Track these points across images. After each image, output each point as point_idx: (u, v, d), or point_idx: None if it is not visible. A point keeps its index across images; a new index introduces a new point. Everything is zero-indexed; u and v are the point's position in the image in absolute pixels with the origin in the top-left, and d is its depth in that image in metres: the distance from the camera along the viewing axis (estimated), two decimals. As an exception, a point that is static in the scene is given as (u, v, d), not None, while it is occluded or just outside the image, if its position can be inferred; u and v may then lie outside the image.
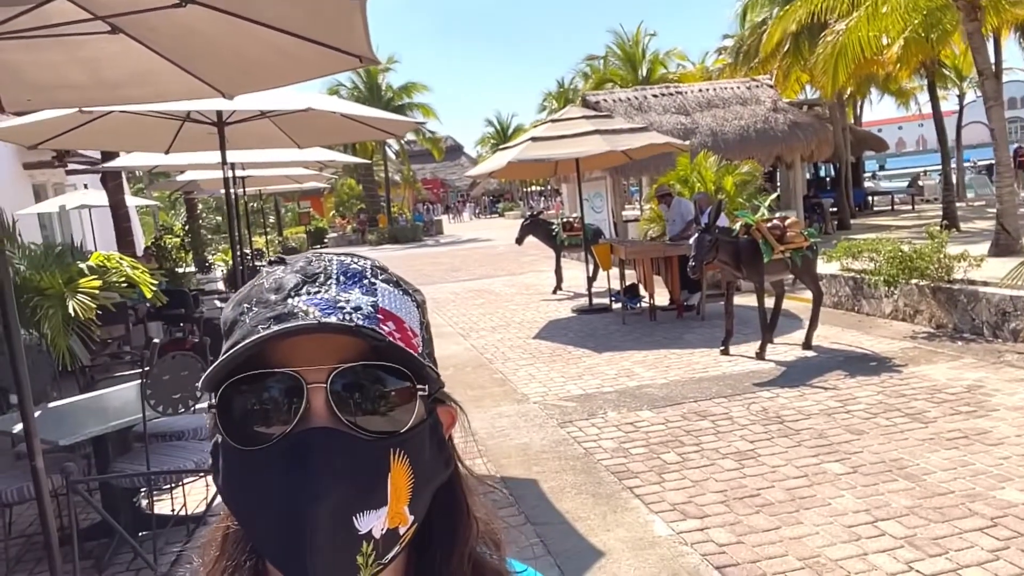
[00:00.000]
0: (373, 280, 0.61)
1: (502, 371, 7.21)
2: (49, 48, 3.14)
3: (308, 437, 0.54)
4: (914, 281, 7.51)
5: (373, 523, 0.55)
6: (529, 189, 47.46)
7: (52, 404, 4.33)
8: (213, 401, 0.57)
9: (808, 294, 7.37)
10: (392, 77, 35.44)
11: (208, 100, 3.92)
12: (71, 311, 5.03)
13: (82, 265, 5.63)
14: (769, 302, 7.04)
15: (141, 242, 16.08)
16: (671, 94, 15.80)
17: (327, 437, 0.54)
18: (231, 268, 7.62)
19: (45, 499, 2.65)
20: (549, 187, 40.94)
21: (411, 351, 0.57)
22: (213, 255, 18.31)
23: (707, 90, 16.00)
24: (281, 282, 0.59)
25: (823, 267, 8.49)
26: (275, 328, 0.54)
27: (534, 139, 10.11)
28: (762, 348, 6.81)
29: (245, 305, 0.59)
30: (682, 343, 7.74)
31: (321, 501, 0.53)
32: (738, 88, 16.02)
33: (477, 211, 52.21)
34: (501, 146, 13.16)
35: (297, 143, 6.12)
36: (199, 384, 0.59)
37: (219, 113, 5.33)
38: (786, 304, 7.70)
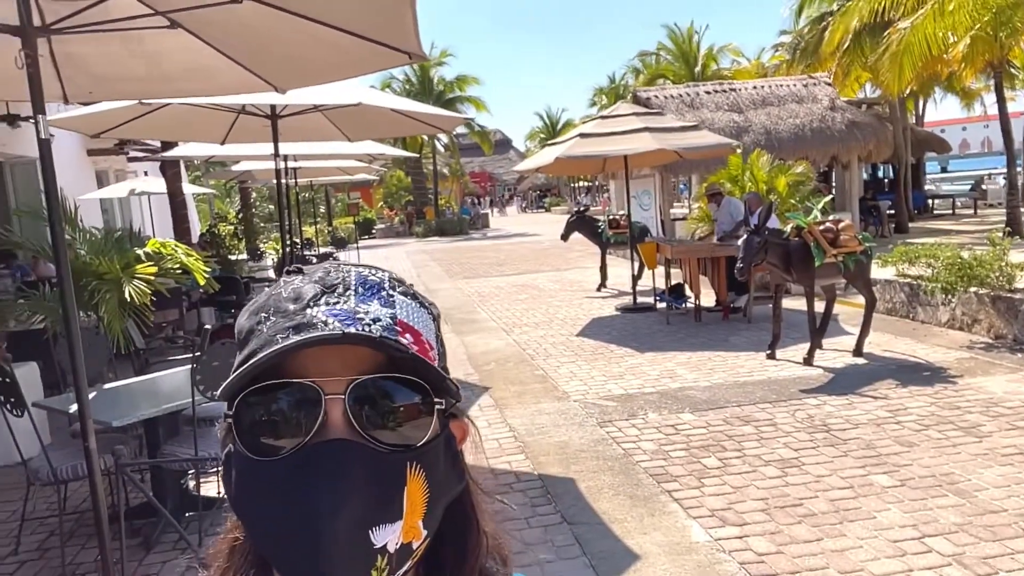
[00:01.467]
0: (391, 292, 0.60)
1: (543, 368, 7.20)
2: (111, 42, 3.25)
3: (325, 449, 0.54)
4: (973, 289, 7.24)
5: (388, 537, 0.54)
6: (576, 185, 47.27)
7: (107, 385, 4.48)
8: (228, 411, 0.57)
9: (860, 299, 7.17)
10: (444, 70, 35.64)
11: (262, 94, 4.01)
12: (127, 295, 5.19)
13: (139, 251, 5.80)
14: (819, 306, 6.87)
15: (197, 229, 16.55)
16: (724, 91, 15.52)
17: (344, 449, 0.54)
18: (281, 256, 7.78)
19: (97, 478, 2.75)
20: (596, 183, 40.68)
21: (431, 364, 0.57)
22: (265, 243, 18.73)
23: (762, 87, 15.66)
24: (300, 292, 0.59)
25: (878, 272, 8.25)
26: (297, 338, 0.54)
27: (583, 135, 10.05)
28: (810, 353, 6.66)
29: (263, 314, 0.59)
30: (727, 345, 7.62)
31: (338, 513, 0.52)
32: (794, 85, 15.65)
33: (524, 205, 52.23)
34: (550, 141, 13.13)
35: (348, 136, 6.21)
36: (217, 393, 0.60)
37: (272, 107, 5.44)
38: (837, 309, 7.51)
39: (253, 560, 0.61)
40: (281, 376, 0.55)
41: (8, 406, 3.78)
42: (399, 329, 0.57)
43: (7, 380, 3.75)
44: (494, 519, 0.68)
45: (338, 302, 0.57)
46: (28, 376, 5.31)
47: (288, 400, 0.55)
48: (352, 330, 0.55)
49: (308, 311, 0.56)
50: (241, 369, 0.55)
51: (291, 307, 0.57)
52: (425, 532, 0.58)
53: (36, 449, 3.97)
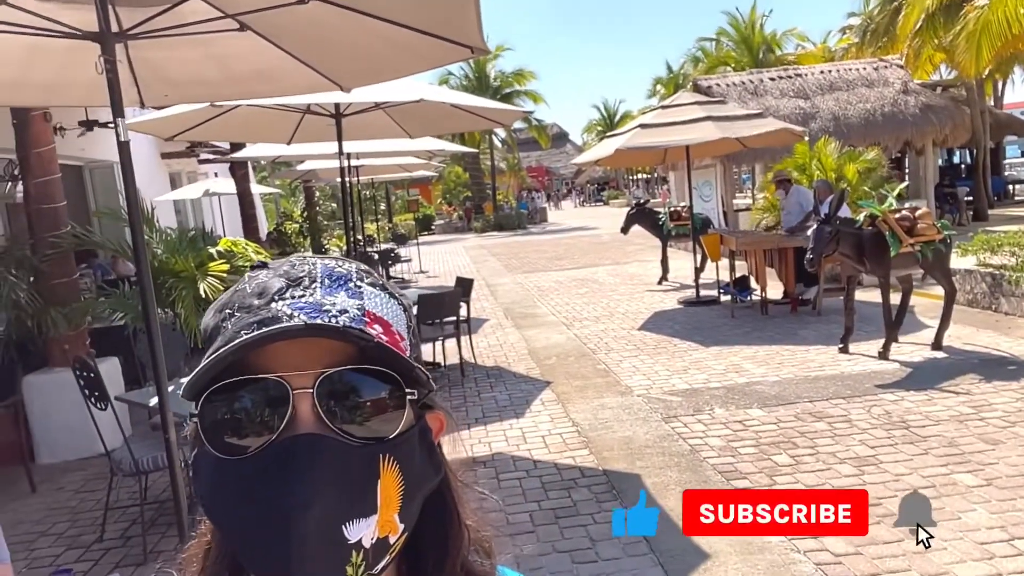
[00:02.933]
0: (359, 284, 0.59)
1: (605, 362, 7.14)
2: (184, 46, 3.34)
3: (294, 444, 0.52)
4: (1063, 279, 6.84)
5: (363, 532, 0.53)
6: (634, 177, 46.71)
7: (184, 379, 4.64)
8: (194, 410, 0.55)
9: (939, 290, 6.85)
10: (501, 63, 35.69)
11: (327, 93, 4.08)
12: (202, 292, 5.38)
13: (212, 250, 6.00)
14: (895, 298, 6.60)
15: (265, 227, 17.03)
16: (789, 77, 15.07)
17: (314, 444, 0.52)
18: (344, 253, 7.93)
19: (176, 469, 2.85)
20: (656, 175, 40.11)
21: (400, 353, 0.56)
22: (328, 240, 19.14)
23: (829, 72, 15.14)
24: (264, 286, 0.57)
25: (957, 262, 7.87)
26: (256, 333, 0.53)
27: (643, 126, 9.91)
28: (886, 347, 6.40)
29: (227, 311, 0.57)
30: (796, 339, 7.40)
31: (309, 510, 0.51)
32: (864, 69, 15.07)
33: (582, 199, 51.91)
34: (607, 133, 12.98)
35: (409, 133, 6.27)
36: (179, 392, 0.58)
37: (336, 105, 5.53)
38: (913, 301, 7.20)
39: (227, 563, 0.60)
40: (247, 373, 0.54)
41: (92, 399, 3.96)
42: (367, 320, 0.56)
43: (91, 375, 3.93)
44: (476, 511, 0.67)
45: (303, 295, 0.56)
46: (110, 371, 5.55)
47: (254, 397, 0.54)
48: (318, 322, 0.53)
49: (273, 305, 0.56)
50: (201, 366, 0.54)
51: (255, 302, 0.56)
52: (402, 526, 0.56)
53: (119, 441, 4.14)
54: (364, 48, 3.37)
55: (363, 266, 0.63)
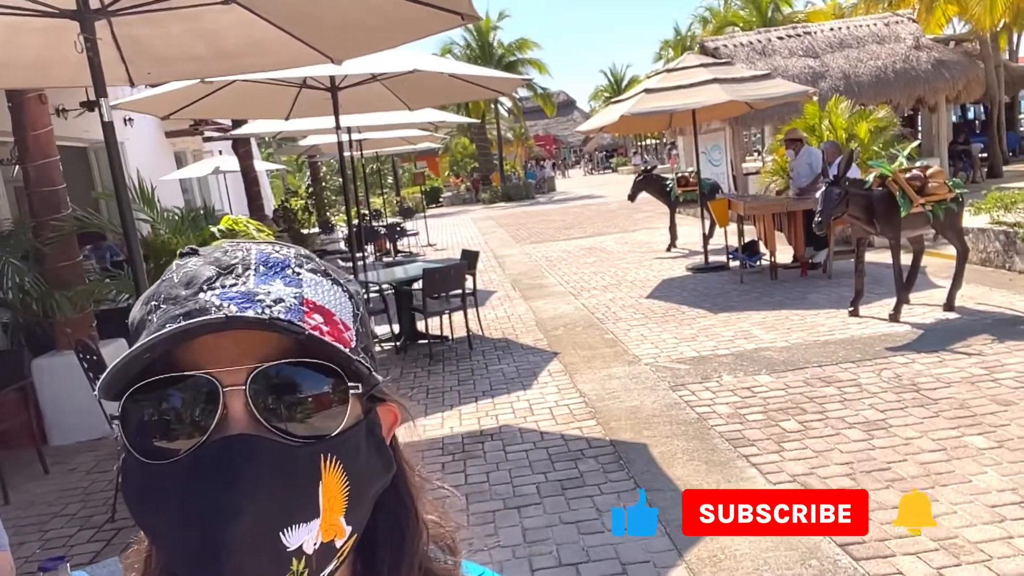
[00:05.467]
0: (298, 270, 0.55)
1: (613, 331, 7.10)
2: (169, 22, 3.27)
3: (226, 446, 0.48)
4: (1079, 235, 6.70)
5: (304, 538, 0.50)
6: (643, 143, 46.23)
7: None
8: (115, 412, 0.51)
9: (951, 250, 6.73)
10: (503, 34, 35.25)
11: (321, 66, 4.00)
12: (204, 272, 5.36)
13: (213, 229, 5.98)
14: (906, 259, 6.49)
15: (271, 204, 17.00)
16: (798, 35, 14.74)
17: (248, 445, 0.48)
18: (349, 229, 7.89)
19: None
20: (665, 140, 39.67)
21: (339, 345, 0.51)
22: (336, 216, 19.10)
23: (839, 28, 14.80)
24: (193, 275, 0.53)
25: (970, 220, 7.74)
26: (173, 327, 0.48)
27: (648, 91, 9.73)
28: (897, 309, 6.31)
29: (153, 303, 0.53)
30: (806, 303, 7.32)
31: (241, 517, 0.47)
32: (874, 25, 14.72)
33: (590, 167, 51.52)
34: (614, 99, 12.79)
35: (408, 105, 6.18)
36: (95, 392, 0.53)
37: (332, 79, 5.45)
38: (925, 261, 7.08)
39: (165, 572, 0.57)
40: (174, 370, 0.50)
41: (97, 382, 3.96)
42: (306, 309, 0.52)
43: (94, 357, 3.93)
44: (439, 506, 0.64)
45: (235, 284, 0.52)
46: (116, 353, 5.56)
47: (181, 395, 0.49)
48: (250, 313, 0.49)
49: (201, 296, 0.51)
50: (115, 364, 0.49)
51: (183, 292, 0.52)
52: (349, 528, 0.53)
53: (125, 422, 4.15)
54: (352, 18, 3.29)
55: (304, 251, 0.58)
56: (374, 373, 0.54)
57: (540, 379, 5.93)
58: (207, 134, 14.67)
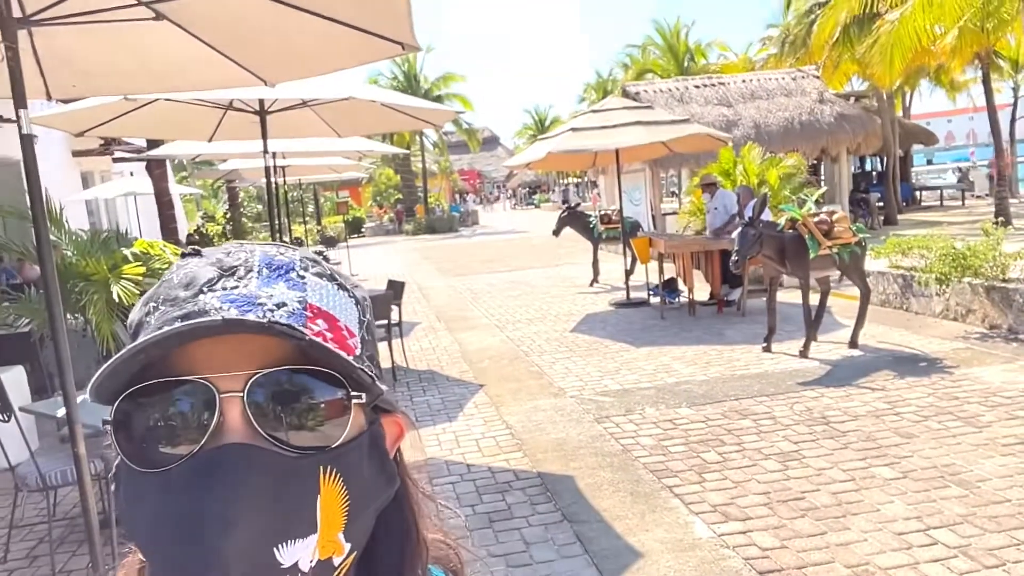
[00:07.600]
0: (302, 273, 0.53)
1: (538, 364, 7.15)
2: (95, 34, 3.15)
3: (221, 455, 0.46)
4: (967, 279, 7.24)
5: (299, 554, 0.47)
6: (566, 181, 47.21)
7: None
8: (108, 416, 0.49)
9: (854, 291, 7.16)
10: (428, 69, 35.58)
11: (250, 88, 3.93)
12: (115, 297, 5.10)
13: (126, 251, 5.71)
14: (814, 299, 6.85)
15: (185, 229, 16.39)
16: (713, 85, 15.53)
17: (243, 455, 0.46)
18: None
19: (86, 484, 2.67)
20: (586, 179, 40.67)
21: (343, 352, 0.50)
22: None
23: (750, 81, 15.69)
24: (193, 276, 0.51)
25: (871, 264, 8.24)
26: (167, 329, 0.46)
27: (574, 129, 10.00)
28: (806, 346, 6.63)
29: (152, 304, 0.51)
30: (723, 339, 7.59)
31: (234, 531, 0.45)
32: (783, 79, 15.68)
33: (513, 203, 52.15)
34: (541, 136, 13.05)
35: (337, 132, 6.12)
36: (86, 395, 0.50)
37: (261, 102, 5.35)
38: (831, 301, 7.49)
39: None
40: (170, 374, 0.48)
41: (-7, 411, 3.69)
42: (309, 314, 0.51)
43: (-9, 384, 3.66)
44: (442, 526, 0.62)
45: (237, 286, 0.50)
46: (15, 380, 5.19)
47: (177, 401, 0.47)
48: (251, 317, 0.47)
49: (200, 297, 0.50)
50: (106, 365, 0.47)
51: (182, 294, 0.50)
52: (348, 545, 0.51)
53: (24, 455, 3.87)
54: (290, 42, 3.26)
55: (309, 254, 0.56)
56: (378, 382, 0.52)
57: (466, 411, 5.89)
58: (117, 154, 14.07)
